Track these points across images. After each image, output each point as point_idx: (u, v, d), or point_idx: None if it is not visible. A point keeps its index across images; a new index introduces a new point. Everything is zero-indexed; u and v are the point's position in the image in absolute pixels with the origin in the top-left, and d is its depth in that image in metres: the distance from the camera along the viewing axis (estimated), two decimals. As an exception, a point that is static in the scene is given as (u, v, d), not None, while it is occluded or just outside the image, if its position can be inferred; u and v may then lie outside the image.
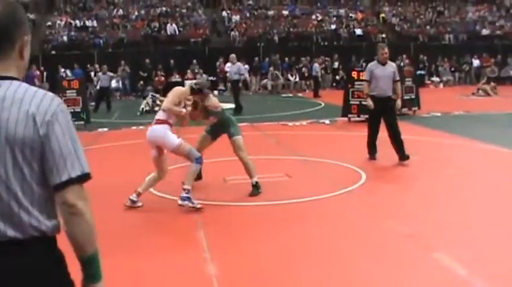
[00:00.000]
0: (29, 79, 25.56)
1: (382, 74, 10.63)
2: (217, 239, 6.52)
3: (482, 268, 5.36)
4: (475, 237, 6.39)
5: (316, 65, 29.27)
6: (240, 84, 22.74)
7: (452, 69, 35.09)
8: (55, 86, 18.21)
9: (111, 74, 25.32)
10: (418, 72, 27.61)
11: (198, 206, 7.63)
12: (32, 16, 36.98)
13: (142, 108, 21.70)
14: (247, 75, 28.26)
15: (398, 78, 10.94)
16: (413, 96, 18.29)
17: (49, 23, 36.51)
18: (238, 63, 21.37)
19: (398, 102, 10.95)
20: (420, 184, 9.10)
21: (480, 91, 26.19)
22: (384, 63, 10.73)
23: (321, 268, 5.56)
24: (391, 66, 10.92)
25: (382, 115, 10.64)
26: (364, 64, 28.60)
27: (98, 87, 25.29)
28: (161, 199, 8.46)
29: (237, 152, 8.78)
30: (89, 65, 31.08)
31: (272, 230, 6.90)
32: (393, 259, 5.78)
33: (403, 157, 10.35)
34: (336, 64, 33.56)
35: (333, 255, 5.98)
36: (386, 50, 10.82)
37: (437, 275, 5.30)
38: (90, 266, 2.33)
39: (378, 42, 36.21)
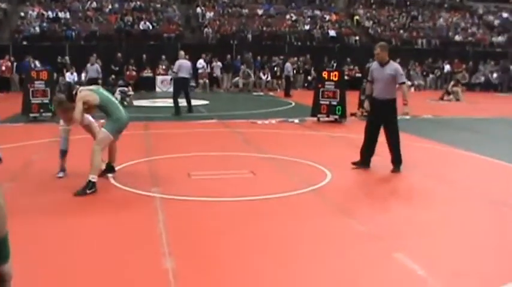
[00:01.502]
0: None
1: (379, 76, 10.02)
2: (177, 234, 6.45)
3: (441, 269, 5.36)
4: (435, 238, 6.40)
5: (288, 64, 29.30)
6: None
7: (424, 73, 35.38)
8: (27, 78, 17.89)
9: (98, 65, 25.23)
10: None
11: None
12: (3, 5, 36.62)
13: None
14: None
15: (401, 80, 10.06)
16: (383, 99, 18.30)
17: (21, 14, 36.09)
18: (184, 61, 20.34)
19: (407, 108, 10.32)
20: (384, 185, 9.13)
21: (450, 95, 26.42)
22: (382, 64, 10.04)
23: (277, 265, 5.51)
24: (390, 68, 10.01)
25: (380, 118, 10.13)
26: (334, 65, 28.75)
27: (86, 78, 25.31)
28: (122, 191, 8.39)
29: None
30: (60, 57, 30.76)
31: (233, 225, 6.86)
32: (352, 258, 5.76)
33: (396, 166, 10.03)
34: (308, 65, 33.67)
35: (292, 252, 5.94)
36: (377, 50, 10.04)
37: (396, 275, 5.29)
38: (3, 248, 2.35)
39: (350, 45, 36.62)
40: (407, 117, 11.05)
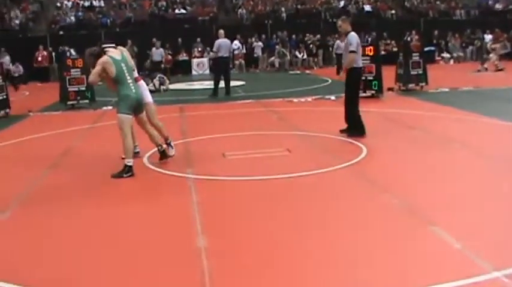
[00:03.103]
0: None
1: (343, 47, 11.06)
2: (211, 214, 6.44)
3: (477, 242, 5.24)
4: (472, 211, 6.27)
5: (338, 42, 28.74)
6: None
7: (463, 45, 34.70)
8: (63, 66, 18.12)
9: (162, 49, 25.64)
10: (428, 48, 27.29)
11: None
12: (40, -3, 37.05)
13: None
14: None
15: (351, 49, 10.50)
16: (420, 72, 18.01)
17: (57, 4, 36.45)
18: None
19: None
20: (421, 158, 8.95)
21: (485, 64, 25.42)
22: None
23: (314, 242, 5.46)
24: (348, 38, 10.66)
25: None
26: (369, 39, 28.30)
27: (150, 61, 25.93)
28: (157, 173, 8.46)
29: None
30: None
31: (268, 204, 6.82)
32: (388, 232, 5.67)
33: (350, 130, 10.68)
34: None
35: (328, 229, 5.88)
36: (339, 23, 10.93)
37: (432, 247, 5.19)
38: None
39: (386, 19, 36.09)
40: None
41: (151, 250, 5.44)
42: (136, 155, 9.05)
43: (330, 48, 31.35)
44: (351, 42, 10.47)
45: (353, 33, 10.53)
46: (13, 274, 4.91)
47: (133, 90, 8.45)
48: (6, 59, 28.97)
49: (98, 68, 8.30)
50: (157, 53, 24.76)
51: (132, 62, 8.80)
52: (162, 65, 25.33)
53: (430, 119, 12.60)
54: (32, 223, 6.44)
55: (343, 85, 10.77)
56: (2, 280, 4.78)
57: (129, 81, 8.44)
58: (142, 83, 9.20)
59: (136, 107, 8.54)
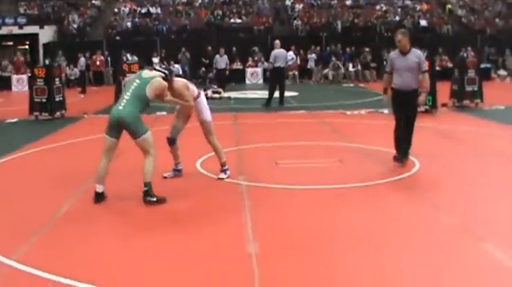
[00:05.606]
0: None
1: (402, 65, 9.20)
2: (262, 220, 6.49)
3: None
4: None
5: (392, 54, 28.66)
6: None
7: (522, 63, 34.07)
8: (119, 70, 18.49)
9: (226, 56, 25.74)
10: (483, 65, 26.88)
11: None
12: (97, 3, 37.77)
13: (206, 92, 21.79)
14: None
15: (425, 68, 9.24)
16: (475, 88, 17.78)
17: (114, 10, 37.14)
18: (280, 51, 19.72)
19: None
20: (474, 175, 8.86)
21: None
22: (404, 53, 9.23)
23: (361, 254, 5.45)
24: (414, 55, 9.24)
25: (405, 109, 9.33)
26: (425, 54, 28.01)
27: (214, 69, 26.35)
28: (209, 179, 8.54)
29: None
30: (155, 54, 31.30)
31: (319, 213, 6.83)
32: (439, 248, 5.61)
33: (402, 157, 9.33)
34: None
35: (376, 242, 5.84)
36: (399, 37, 9.23)
37: (484, 265, 5.13)
38: None
39: (442, 34, 35.71)
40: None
41: (201, 254, 5.51)
42: (178, 172, 8.80)
43: (384, 62, 31.19)
44: (424, 60, 9.22)
45: (419, 51, 9.41)
46: None
47: (114, 108, 7.58)
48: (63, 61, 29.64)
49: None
50: (222, 61, 24.88)
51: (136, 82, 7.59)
52: (227, 72, 25.42)
53: (484, 136, 12.45)
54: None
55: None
56: None
57: (125, 94, 7.51)
58: (202, 98, 8.60)
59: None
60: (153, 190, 7.23)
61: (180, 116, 8.59)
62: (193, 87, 8.38)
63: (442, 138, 11.83)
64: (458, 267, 5.14)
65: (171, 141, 8.58)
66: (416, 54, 9.22)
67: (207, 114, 8.51)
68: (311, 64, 32.49)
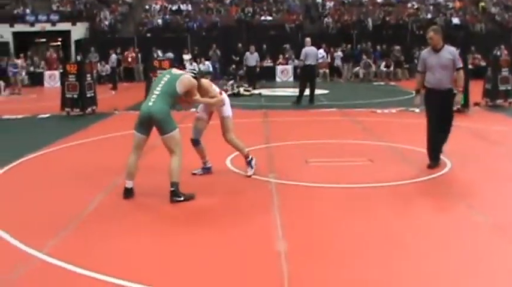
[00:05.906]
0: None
1: (435, 62, 8.89)
2: (291, 218, 6.46)
3: None
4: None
5: (424, 53, 28.37)
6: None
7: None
8: (149, 67, 18.63)
9: (257, 54, 25.68)
10: (517, 64, 26.48)
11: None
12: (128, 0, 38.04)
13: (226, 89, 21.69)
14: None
15: (460, 65, 8.95)
16: (509, 87, 17.52)
17: (145, 7, 37.35)
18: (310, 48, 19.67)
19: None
20: (507, 175, 8.72)
21: None
22: (437, 50, 8.92)
23: (391, 254, 5.41)
24: (448, 52, 8.91)
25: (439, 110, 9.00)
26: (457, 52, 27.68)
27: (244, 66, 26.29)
28: (239, 176, 8.54)
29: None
30: (185, 51, 31.41)
31: (349, 212, 6.78)
32: (472, 249, 5.53)
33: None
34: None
35: (407, 241, 5.78)
36: (430, 34, 8.84)
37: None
38: None
39: (475, 32, 35.29)
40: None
41: (230, 251, 5.50)
42: (207, 170, 8.79)
43: (415, 61, 30.91)
44: (458, 57, 8.89)
45: (452, 48, 9.08)
46: None
47: (144, 104, 7.58)
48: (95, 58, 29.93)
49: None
50: (252, 58, 24.83)
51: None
52: (257, 70, 25.31)
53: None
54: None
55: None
56: None
57: (153, 92, 7.51)
58: (224, 96, 8.60)
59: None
60: (182, 186, 7.23)
61: (201, 117, 8.62)
62: (215, 87, 8.44)
63: (474, 138, 11.68)
64: (493, 268, 5.05)
65: (195, 143, 8.59)
66: (450, 51, 8.93)
67: (228, 110, 8.51)
68: (337, 62, 32.31)
